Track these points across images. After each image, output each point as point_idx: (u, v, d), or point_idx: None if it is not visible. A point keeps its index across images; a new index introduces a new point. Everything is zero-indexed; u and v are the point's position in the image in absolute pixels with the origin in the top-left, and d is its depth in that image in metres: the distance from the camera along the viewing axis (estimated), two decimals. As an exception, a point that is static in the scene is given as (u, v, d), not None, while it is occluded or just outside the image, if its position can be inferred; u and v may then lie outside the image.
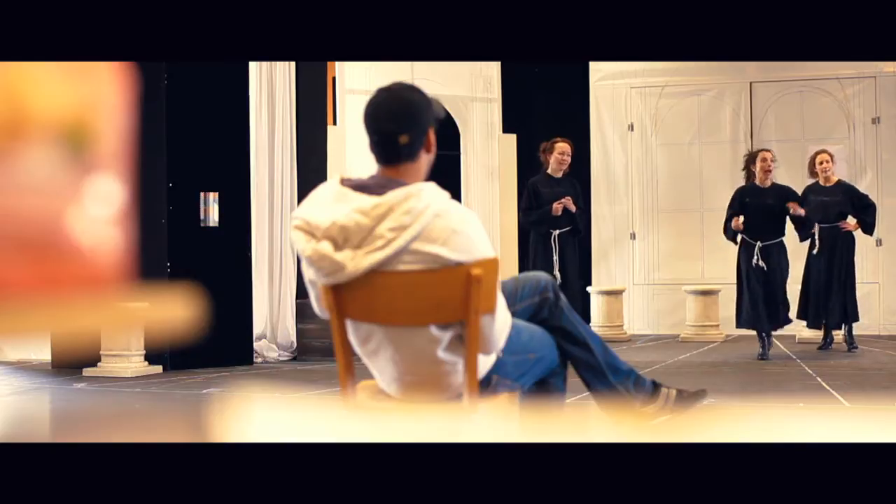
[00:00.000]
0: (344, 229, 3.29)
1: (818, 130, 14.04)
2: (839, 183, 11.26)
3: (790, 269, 10.51)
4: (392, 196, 3.30)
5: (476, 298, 3.31)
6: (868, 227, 11.10)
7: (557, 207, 9.85)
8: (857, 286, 11.22)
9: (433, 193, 3.33)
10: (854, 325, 11.14)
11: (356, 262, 3.29)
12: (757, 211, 10.35)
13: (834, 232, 10.99)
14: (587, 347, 4.01)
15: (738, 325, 10.68)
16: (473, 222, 3.37)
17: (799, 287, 12.63)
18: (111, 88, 1.14)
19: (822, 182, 11.13)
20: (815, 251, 11.03)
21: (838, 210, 11.04)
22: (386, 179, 3.40)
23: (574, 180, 10.33)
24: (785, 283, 10.42)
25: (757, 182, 10.48)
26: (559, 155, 10.06)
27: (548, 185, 10.04)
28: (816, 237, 10.99)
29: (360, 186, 3.39)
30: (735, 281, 10.73)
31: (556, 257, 9.89)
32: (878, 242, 10.92)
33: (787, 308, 10.47)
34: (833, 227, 10.99)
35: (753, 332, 10.72)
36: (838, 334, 11.29)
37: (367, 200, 3.32)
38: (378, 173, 3.46)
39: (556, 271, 9.71)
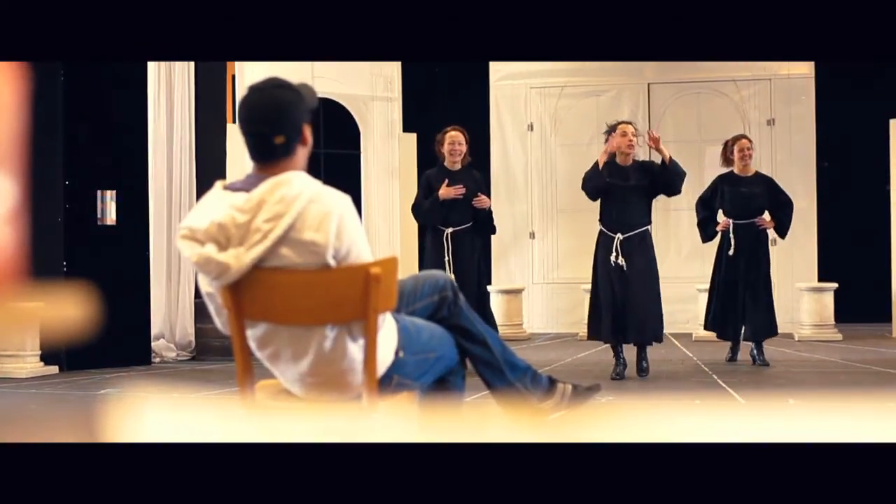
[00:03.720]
0: (222, 227, 3.31)
1: (714, 131, 14.22)
2: (758, 174, 10.00)
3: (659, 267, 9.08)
4: (261, 188, 3.34)
5: (375, 297, 3.32)
6: (783, 229, 9.80)
7: (447, 191, 9.08)
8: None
9: (304, 180, 3.36)
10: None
11: (239, 259, 3.30)
12: (616, 195, 9.14)
13: (752, 230, 9.73)
14: (486, 345, 4.05)
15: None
16: (346, 205, 3.38)
17: (693, 290, 12.77)
18: (2, 88, 1.13)
19: (738, 171, 9.82)
20: (730, 252, 9.69)
21: (758, 204, 9.76)
22: (259, 178, 3.42)
23: (474, 171, 9.48)
24: (656, 285, 8.93)
25: (617, 161, 9.15)
26: (450, 144, 9.25)
27: (444, 178, 9.25)
28: (731, 235, 9.72)
29: (237, 187, 3.40)
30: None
31: (448, 257, 9.12)
32: (773, 242, 10.28)
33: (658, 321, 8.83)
34: (749, 224, 9.73)
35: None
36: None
37: (241, 197, 3.34)
38: (253, 172, 3.48)
39: (451, 273, 8.88)
